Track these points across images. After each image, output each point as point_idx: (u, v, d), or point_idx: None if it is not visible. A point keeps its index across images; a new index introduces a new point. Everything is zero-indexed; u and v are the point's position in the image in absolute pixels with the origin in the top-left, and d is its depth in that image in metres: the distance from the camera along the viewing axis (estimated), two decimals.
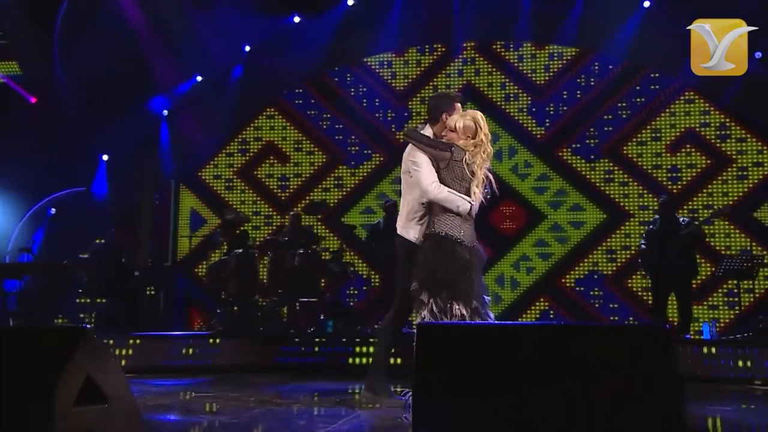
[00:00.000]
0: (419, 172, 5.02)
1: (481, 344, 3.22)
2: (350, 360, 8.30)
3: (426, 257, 4.94)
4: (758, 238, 10.29)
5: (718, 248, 10.34)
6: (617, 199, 10.90)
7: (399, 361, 8.10)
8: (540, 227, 11.04)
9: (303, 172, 11.89)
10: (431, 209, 5.02)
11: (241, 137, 12.08)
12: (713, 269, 9.61)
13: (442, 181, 4.96)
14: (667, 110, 10.93)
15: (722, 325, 10.03)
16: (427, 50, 11.79)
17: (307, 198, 11.71)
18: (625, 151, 11.00)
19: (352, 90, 11.81)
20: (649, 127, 10.97)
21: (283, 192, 11.89)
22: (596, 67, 11.15)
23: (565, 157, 11.11)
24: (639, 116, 10.99)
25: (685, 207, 10.61)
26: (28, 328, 3.60)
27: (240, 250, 9.52)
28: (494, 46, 11.56)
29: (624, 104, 11.03)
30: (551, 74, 11.29)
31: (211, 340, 8.39)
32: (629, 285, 10.68)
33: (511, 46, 11.49)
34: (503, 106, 11.37)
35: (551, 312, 10.78)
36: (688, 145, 10.82)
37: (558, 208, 11.03)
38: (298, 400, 5.81)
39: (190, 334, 9.25)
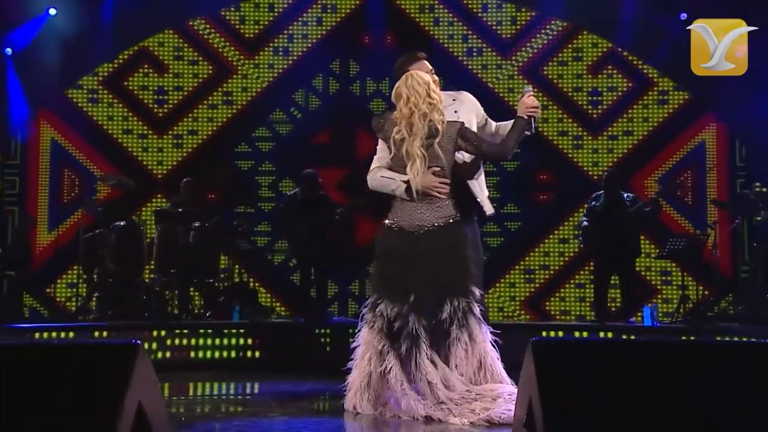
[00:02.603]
0: None
1: (606, 361, 2.97)
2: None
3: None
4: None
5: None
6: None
7: (258, 354, 7.46)
8: None
9: (185, 84, 10.28)
10: None
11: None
12: (659, 249, 9.18)
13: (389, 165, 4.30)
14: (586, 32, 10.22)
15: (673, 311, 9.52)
16: None
17: (191, 116, 10.20)
18: (545, 72, 10.23)
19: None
20: (570, 46, 10.22)
21: (161, 107, 10.27)
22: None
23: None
24: (561, 35, 10.20)
25: (604, 133, 10.12)
26: (75, 343, 3.29)
27: (122, 222, 8.11)
28: None
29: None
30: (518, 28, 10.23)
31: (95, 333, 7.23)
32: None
33: None
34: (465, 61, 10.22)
35: None
36: (609, 66, 10.20)
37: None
38: (262, 405, 5.05)
39: (66, 325, 7.77)
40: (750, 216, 8.69)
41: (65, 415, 2.65)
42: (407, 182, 4.18)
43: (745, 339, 6.64)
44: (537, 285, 10.02)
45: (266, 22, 10.31)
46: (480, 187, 4.46)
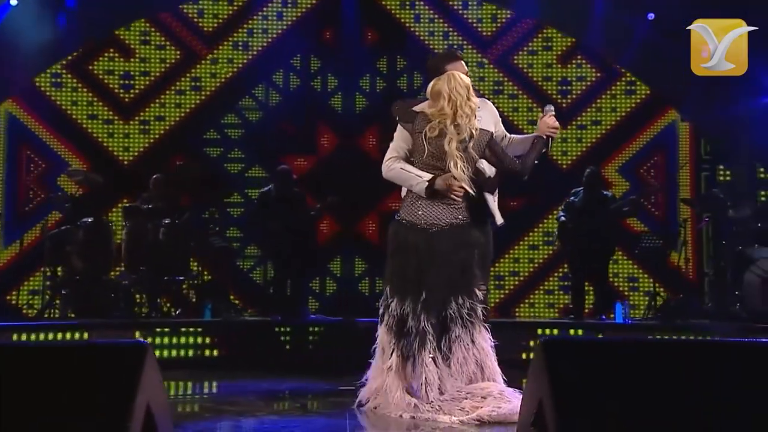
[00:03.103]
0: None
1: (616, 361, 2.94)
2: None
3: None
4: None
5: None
6: (507, 115, 10.26)
7: (216, 353, 7.43)
8: None
9: (152, 69, 10.08)
10: None
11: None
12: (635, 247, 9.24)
13: (410, 157, 4.29)
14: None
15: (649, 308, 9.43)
16: None
17: (158, 101, 10.01)
18: (515, 62, 10.26)
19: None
20: (540, 35, 10.25)
21: (127, 92, 10.06)
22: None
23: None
24: (531, 24, 10.23)
25: (573, 123, 10.20)
26: (83, 344, 3.16)
27: (90, 219, 7.93)
28: None
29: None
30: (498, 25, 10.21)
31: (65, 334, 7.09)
32: None
33: None
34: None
35: None
36: (579, 56, 10.26)
37: None
38: (247, 404, 4.97)
39: (35, 324, 7.55)
40: (718, 215, 8.78)
41: (74, 416, 2.61)
42: (429, 181, 4.19)
43: (717, 336, 6.80)
44: (507, 291, 10.02)
45: (225, 16, 10.13)
46: (494, 197, 4.48)
